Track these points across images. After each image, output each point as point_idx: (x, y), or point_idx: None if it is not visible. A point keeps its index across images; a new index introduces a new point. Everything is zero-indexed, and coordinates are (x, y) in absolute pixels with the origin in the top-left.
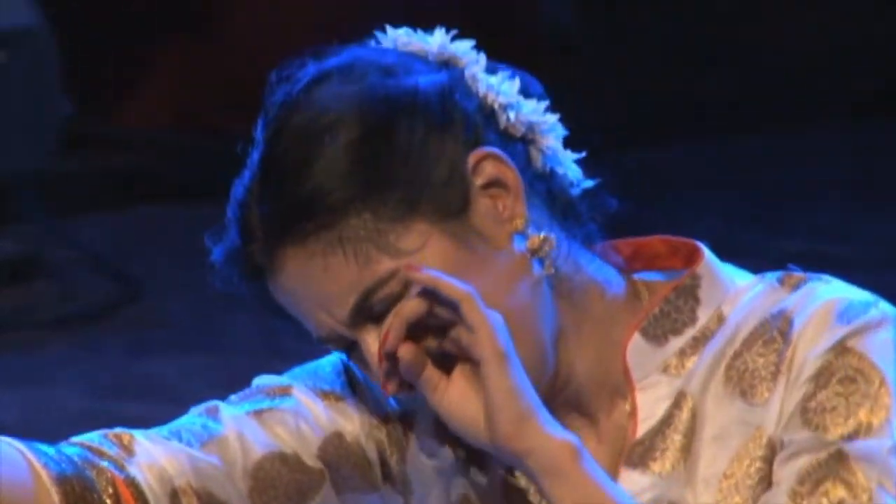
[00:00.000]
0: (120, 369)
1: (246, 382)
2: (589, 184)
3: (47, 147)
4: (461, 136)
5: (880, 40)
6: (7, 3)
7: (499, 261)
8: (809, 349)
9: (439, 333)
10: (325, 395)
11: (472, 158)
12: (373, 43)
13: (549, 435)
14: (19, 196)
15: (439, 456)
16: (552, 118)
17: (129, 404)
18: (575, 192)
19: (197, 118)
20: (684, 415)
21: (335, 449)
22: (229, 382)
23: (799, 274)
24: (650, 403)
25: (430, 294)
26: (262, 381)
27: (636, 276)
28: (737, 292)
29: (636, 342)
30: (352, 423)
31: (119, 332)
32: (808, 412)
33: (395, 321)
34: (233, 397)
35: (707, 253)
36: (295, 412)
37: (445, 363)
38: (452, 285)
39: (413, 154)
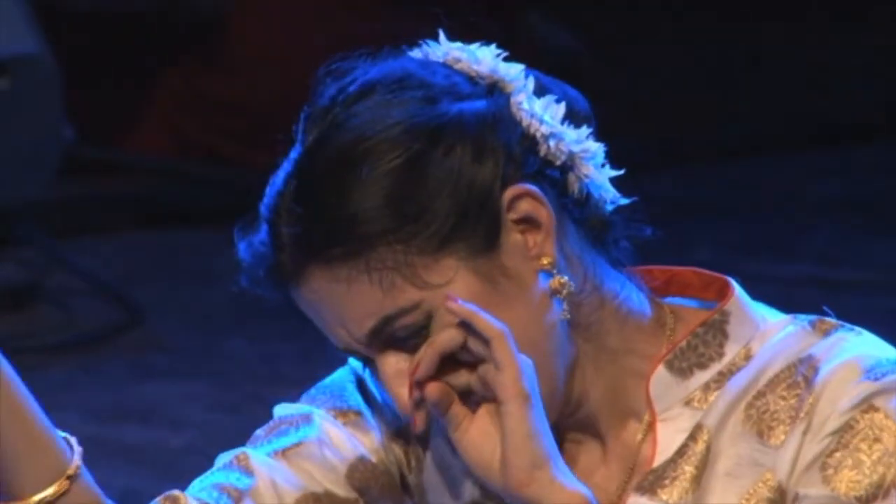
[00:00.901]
0: (121, 394)
1: (246, 407)
2: (624, 201)
3: (49, 173)
4: (499, 170)
5: (882, 60)
6: (9, 30)
7: (522, 298)
8: (834, 402)
9: (469, 369)
10: (343, 414)
11: (508, 194)
12: (424, 50)
13: (561, 485)
14: (21, 221)
15: (453, 465)
16: (594, 146)
17: (130, 429)
18: (609, 209)
19: (198, 144)
20: (699, 447)
21: (361, 473)
22: (230, 407)
23: (831, 321)
24: (670, 435)
25: (465, 327)
26: (282, 410)
27: (665, 301)
28: (766, 330)
29: (660, 374)
30: (370, 439)
31: (120, 357)
32: (828, 469)
33: (429, 352)
34: (259, 432)
35: (737, 289)
36: (319, 442)
37: (471, 400)
38: (487, 322)
39: (448, 188)
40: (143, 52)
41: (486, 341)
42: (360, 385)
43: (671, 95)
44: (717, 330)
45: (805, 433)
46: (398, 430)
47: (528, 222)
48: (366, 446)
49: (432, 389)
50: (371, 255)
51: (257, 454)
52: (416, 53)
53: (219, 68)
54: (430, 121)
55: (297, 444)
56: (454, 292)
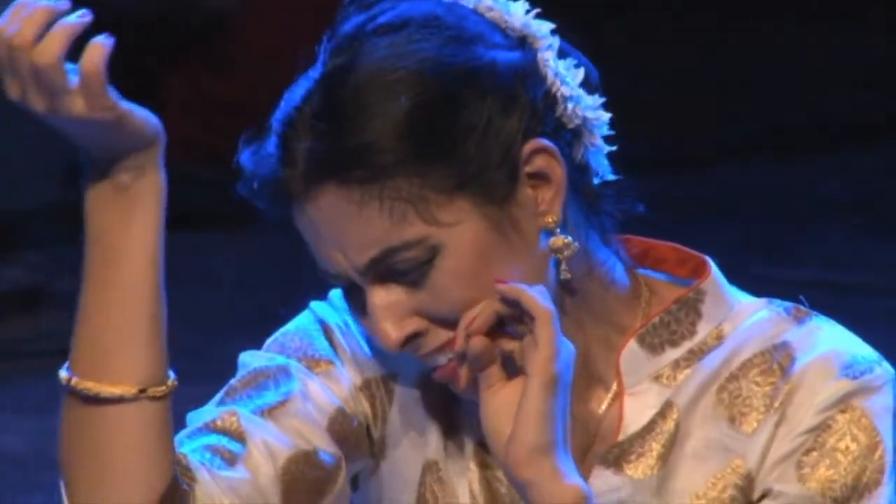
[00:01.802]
0: None
1: None
2: (611, 177)
3: (57, 177)
4: (522, 122)
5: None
6: None
7: (524, 252)
8: (810, 398)
9: (515, 338)
10: (316, 363)
11: (527, 147)
12: None
13: (560, 474)
14: (28, 225)
15: (419, 419)
16: (605, 116)
17: None
18: (596, 181)
19: (200, 146)
20: (668, 425)
21: (340, 425)
22: None
23: (806, 309)
24: (637, 410)
25: (513, 305)
26: (252, 360)
27: (639, 272)
28: (739, 312)
29: (631, 348)
30: (341, 389)
31: None
32: (804, 467)
33: (487, 308)
34: (235, 384)
35: (714, 269)
36: (302, 396)
37: (511, 367)
38: (535, 300)
39: (475, 132)
40: (146, 53)
41: (530, 318)
42: (327, 333)
43: (672, 96)
44: (690, 308)
45: (778, 425)
46: (365, 380)
47: (540, 178)
48: (339, 396)
49: (477, 342)
50: (388, 182)
51: (245, 413)
52: None
53: (221, 70)
54: (465, 62)
55: (283, 402)
56: (463, 234)
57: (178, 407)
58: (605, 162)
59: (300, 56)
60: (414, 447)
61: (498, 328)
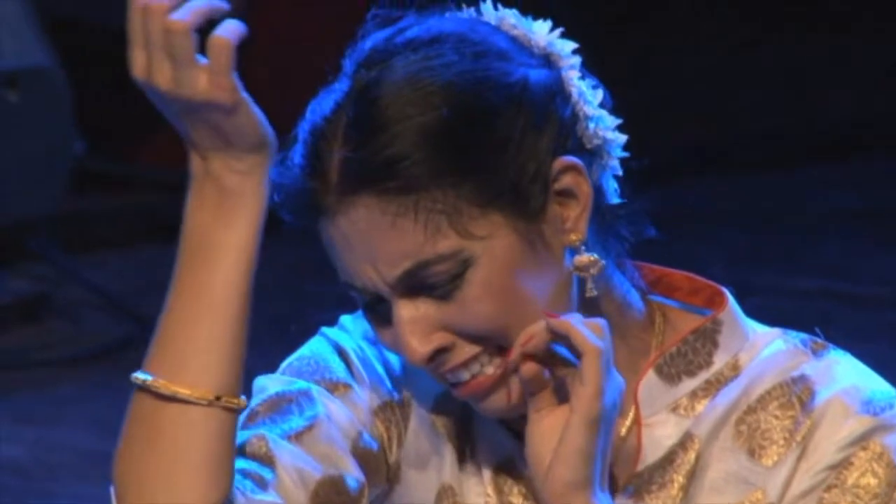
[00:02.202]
0: None
1: None
2: (618, 201)
3: (60, 186)
4: (552, 140)
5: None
6: (19, 43)
7: (551, 269)
8: (831, 435)
9: (567, 364)
10: (335, 386)
11: (557, 164)
12: (473, 13)
13: None
14: (32, 235)
15: (435, 441)
16: (622, 137)
17: None
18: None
19: None
20: (689, 456)
21: (362, 450)
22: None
23: (822, 341)
24: (655, 441)
25: (562, 338)
26: (271, 384)
27: (652, 298)
28: (754, 342)
29: (650, 379)
30: (360, 412)
31: (130, 371)
32: None
33: (540, 328)
34: (257, 408)
35: (731, 299)
36: (328, 420)
37: (562, 395)
38: (584, 337)
39: (510, 146)
40: None
41: (579, 354)
42: (343, 356)
43: (680, 105)
44: (707, 338)
45: (800, 459)
46: (381, 404)
47: (567, 195)
48: (359, 420)
49: (530, 368)
50: (423, 194)
51: (273, 437)
52: (464, 15)
53: None
54: (500, 77)
55: (310, 427)
56: (495, 248)
57: None
58: (615, 183)
59: (308, 73)
60: (429, 471)
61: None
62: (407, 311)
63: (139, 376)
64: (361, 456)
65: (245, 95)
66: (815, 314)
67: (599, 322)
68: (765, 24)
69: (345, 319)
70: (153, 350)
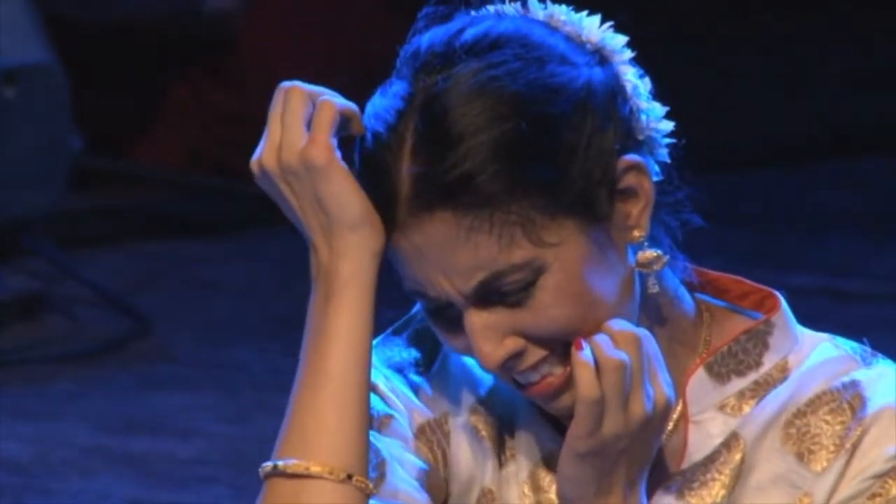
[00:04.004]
0: (128, 404)
1: (253, 416)
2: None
3: (57, 183)
4: (616, 139)
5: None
6: (17, 39)
7: (617, 268)
8: (880, 444)
9: None
10: (380, 423)
11: (621, 164)
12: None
13: None
14: (29, 232)
15: (474, 452)
16: (669, 125)
17: (137, 439)
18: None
19: (206, 156)
20: (733, 456)
21: (430, 479)
22: (236, 417)
23: (870, 350)
24: (701, 439)
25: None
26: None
27: (700, 296)
28: (803, 346)
29: (699, 376)
30: (408, 441)
31: (128, 367)
32: None
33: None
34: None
35: (783, 303)
36: (397, 461)
37: None
38: (584, 382)
39: (578, 152)
40: (153, 64)
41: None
42: (373, 390)
43: (678, 103)
44: (759, 340)
45: (847, 465)
46: (419, 427)
47: (629, 194)
48: (411, 448)
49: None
50: (498, 207)
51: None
52: (510, 9)
53: (227, 80)
54: (565, 83)
55: (379, 478)
56: (567, 254)
57: (185, 416)
58: (659, 173)
59: (306, 68)
60: (472, 479)
61: None
62: (480, 318)
63: (268, 465)
64: (431, 486)
65: (343, 164)
66: (813, 311)
67: (638, 332)
68: (764, 22)
69: None
70: (283, 432)
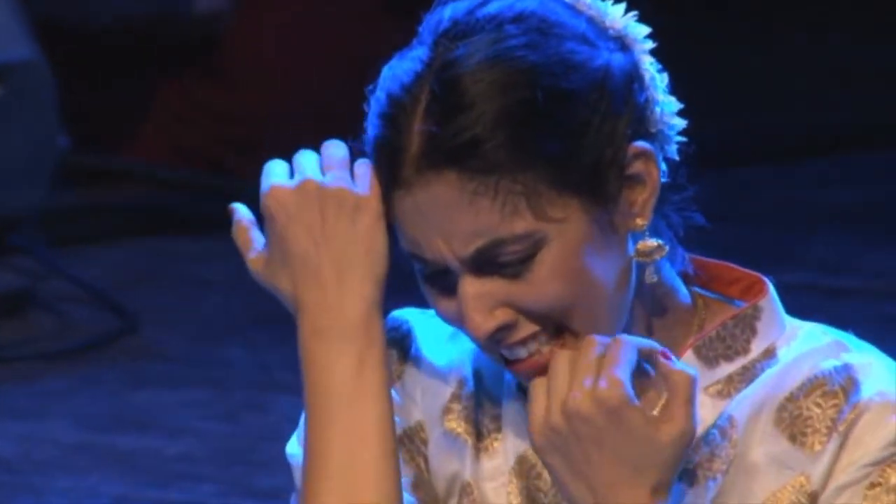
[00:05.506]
0: (116, 401)
1: (242, 414)
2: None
3: (45, 180)
4: (629, 125)
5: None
6: (4, 36)
7: (615, 254)
8: (875, 430)
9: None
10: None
11: (631, 150)
12: None
13: None
14: (16, 229)
15: (454, 452)
16: (682, 122)
17: (126, 437)
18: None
19: (195, 154)
20: (727, 440)
21: (421, 485)
22: (225, 414)
23: (857, 339)
24: None
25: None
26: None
27: (695, 289)
28: (791, 332)
29: (688, 359)
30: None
31: (116, 365)
32: (867, 500)
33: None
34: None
35: (771, 288)
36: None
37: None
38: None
39: (590, 131)
40: (142, 62)
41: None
42: None
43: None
44: (746, 325)
45: (841, 448)
46: (398, 438)
47: (636, 181)
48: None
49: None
50: (504, 175)
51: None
52: None
53: (217, 79)
54: (585, 61)
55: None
56: (568, 231)
57: (173, 413)
58: (665, 168)
59: (296, 67)
60: (453, 476)
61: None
62: (473, 286)
63: None
64: (418, 492)
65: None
66: (803, 307)
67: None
68: (763, 22)
69: None
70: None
